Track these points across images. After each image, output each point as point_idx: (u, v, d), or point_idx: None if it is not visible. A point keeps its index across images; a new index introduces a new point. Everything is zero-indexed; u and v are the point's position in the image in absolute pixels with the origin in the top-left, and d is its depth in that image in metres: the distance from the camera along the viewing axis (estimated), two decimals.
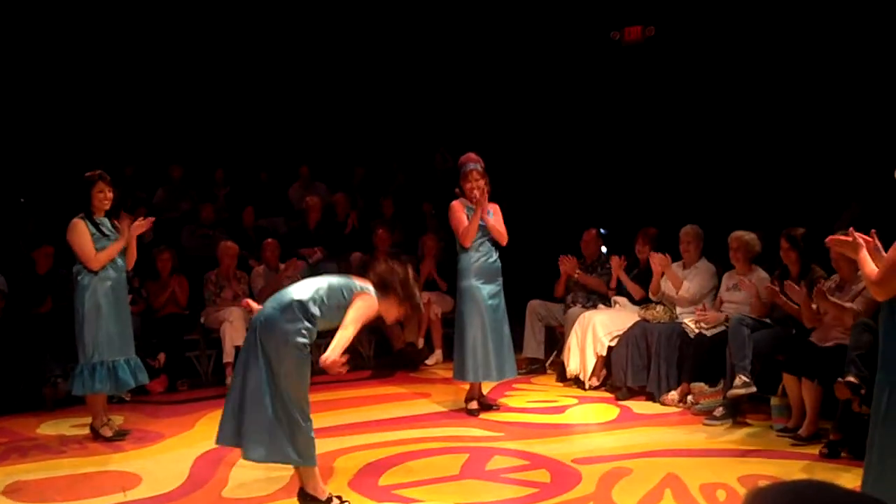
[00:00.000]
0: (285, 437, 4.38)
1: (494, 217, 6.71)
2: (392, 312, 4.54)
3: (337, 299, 4.37)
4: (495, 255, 6.74)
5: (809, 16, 7.98)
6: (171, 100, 11.19)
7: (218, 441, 4.51)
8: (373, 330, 8.96)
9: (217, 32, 11.13)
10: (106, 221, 6.22)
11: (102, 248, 6.10)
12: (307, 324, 4.31)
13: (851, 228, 3.82)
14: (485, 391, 6.93)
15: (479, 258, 6.66)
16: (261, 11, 11.10)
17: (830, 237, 4.06)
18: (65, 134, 10.33)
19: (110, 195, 6.19)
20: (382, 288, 4.45)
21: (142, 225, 6.33)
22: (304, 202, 10.05)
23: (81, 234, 6.08)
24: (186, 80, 11.21)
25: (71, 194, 6.36)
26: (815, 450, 5.49)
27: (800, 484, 1.58)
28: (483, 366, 6.59)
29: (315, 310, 4.33)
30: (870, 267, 3.59)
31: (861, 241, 3.69)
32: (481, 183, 6.60)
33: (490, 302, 6.63)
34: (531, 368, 8.15)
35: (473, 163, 6.66)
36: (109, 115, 10.77)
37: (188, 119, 11.25)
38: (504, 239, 6.72)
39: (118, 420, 6.49)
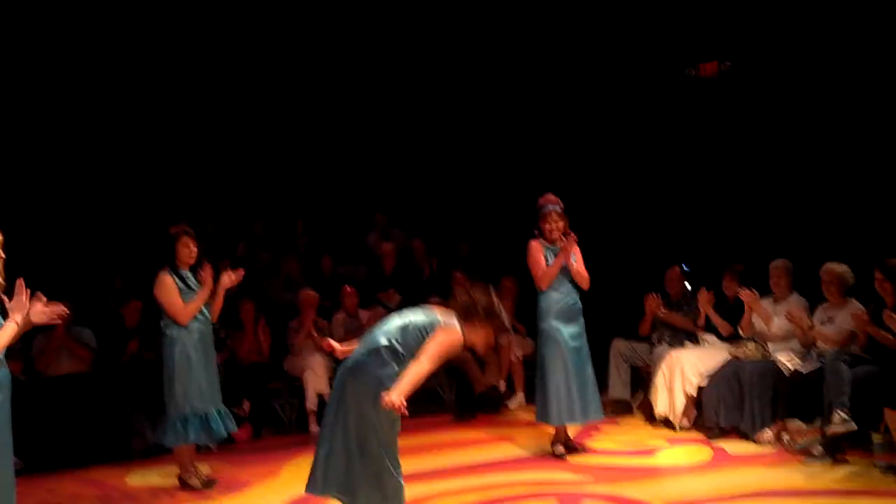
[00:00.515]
0: (373, 483, 4.30)
1: (576, 259, 6.61)
2: (480, 338, 4.33)
3: (418, 340, 4.20)
4: (576, 296, 6.62)
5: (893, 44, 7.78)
6: (252, 156, 11.46)
7: (308, 489, 4.38)
8: (453, 373, 8.91)
9: (295, 90, 11.39)
10: (190, 275, 6.32)
11: (189, 301, 6.20)
12: (397, 368, 4.16)
13: None
14: (570, 434, 6.78)
15: (560, 299, 6.55)
16: (335, 62, 11.31)
17: None
18: (149, 191, 10.62)
19: (195, 249, 6.30)
20: (465, 316, 4.27)
21: (231, 279, 6.41)
22: (379, 249, 10.12)
23: (169, 288, 6.17)
24: (262, 136, 11.47)
25: (155, 250, 6.46)
26: None
27: None
28: (567, 408, 6.45)
29: (402, 351, 4.19)
30: None
31: None
32: (560, 224, 6.54)
33: (572, 343, 6.50)
34: (617, 410, 7.95)
35: (552, 204, 6.60)
36: (192, 174, 11.06)
37: (268, 174, 11.48)
38: (587, 283, 6.61)
39: (205, 469, 6.53)
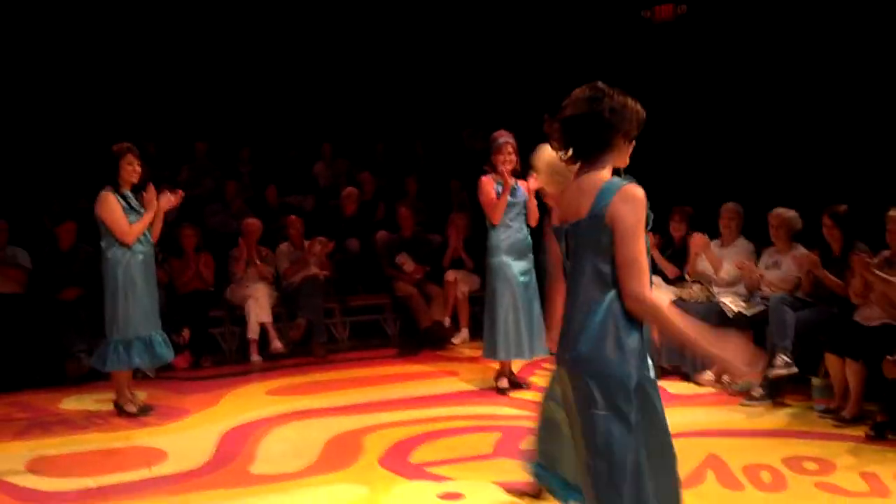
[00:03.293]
0: None
1: (528, 196, 6.51)
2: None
3: None
4: (526, 231, 6.55)
5: None
6: (196, 77, 11.06)
7: None
8: (398, 308, 8.84)
9: (243, 9, 11.00)
10: (132, 195, 6.09)
11: (132, 221, 5.98)
12: None
13: None
14: (514, 370, 6.78)
15: (511, 234, 6.48)
16: None
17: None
18: (88, 110, 10.23)
19: (139, 168, 6.06)
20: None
21: (171, 199, 6.21)
22: (342, 191, 9.85)
23: (113, 207, 5.93)
24: (210, 57, 11.08)
25: (96, 170, 6.20)
26: (858, 431, 5.30)
27: None
28: (515, 344, 6.42)
29: None
30: None
31: None
32: (513, 158, 6.44)
33: (521, 279, 6.45)
34: None
35: (506, 137, 6.50)
36: (134, 91, 10.66)
37: (212, 96, 11.11)
38: (536, 220, 6.53)
39: (142, 396, 6.39)
